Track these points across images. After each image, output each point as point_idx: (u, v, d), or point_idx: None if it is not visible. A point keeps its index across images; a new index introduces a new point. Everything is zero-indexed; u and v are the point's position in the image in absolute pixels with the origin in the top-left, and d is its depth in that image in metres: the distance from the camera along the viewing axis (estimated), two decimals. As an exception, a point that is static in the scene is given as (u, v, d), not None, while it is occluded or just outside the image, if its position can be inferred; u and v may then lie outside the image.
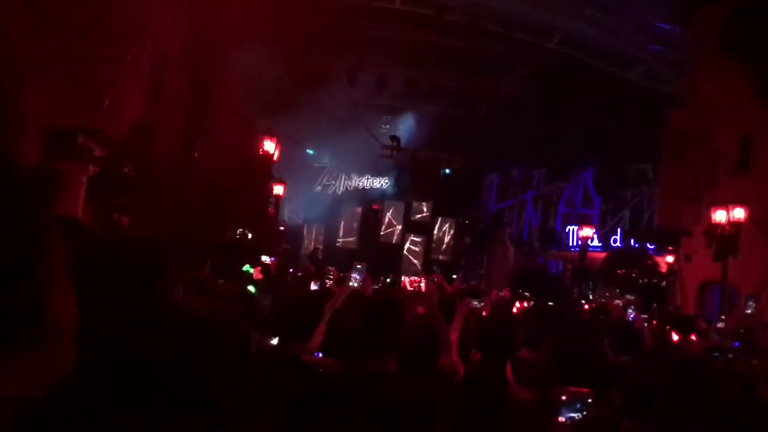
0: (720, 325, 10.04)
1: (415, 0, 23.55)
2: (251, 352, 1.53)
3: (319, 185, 32.23)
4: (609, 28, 23.47)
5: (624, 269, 23.40)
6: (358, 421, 2.75)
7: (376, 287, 8.19)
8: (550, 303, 12.36)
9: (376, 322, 3.70)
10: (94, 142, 10.68)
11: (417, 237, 32.18)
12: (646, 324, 7.94)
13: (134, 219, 11.08)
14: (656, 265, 23.67)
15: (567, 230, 28.82)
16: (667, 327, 8.47)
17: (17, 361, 0.74)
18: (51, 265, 0.79)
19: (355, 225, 32.35)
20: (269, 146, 16.71)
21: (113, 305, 1.11)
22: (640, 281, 22.86)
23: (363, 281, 5.61)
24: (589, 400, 3.48)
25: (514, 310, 9.60)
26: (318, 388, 3.03)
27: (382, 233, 32.15)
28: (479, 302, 7.84)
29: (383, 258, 28.21)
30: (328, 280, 8.64)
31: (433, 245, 32.26)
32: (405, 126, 31.15)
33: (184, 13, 14.53)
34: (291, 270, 14.64)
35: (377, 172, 32.47)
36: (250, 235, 13.67)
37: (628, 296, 11.06)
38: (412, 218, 32.27)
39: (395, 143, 29.54)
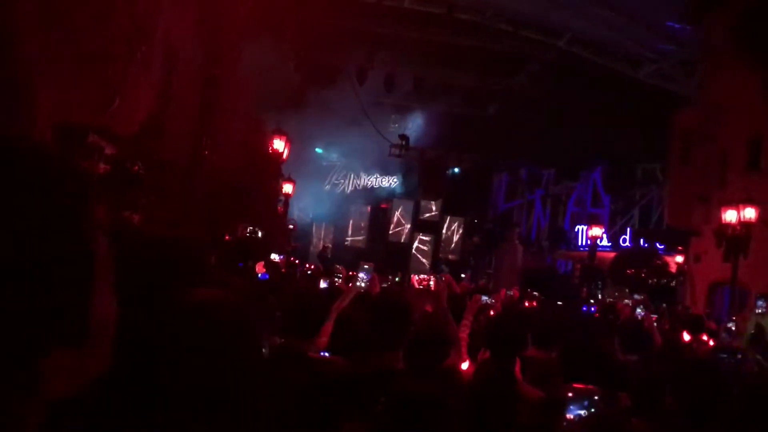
0: (730, 325, 9.99)
1: (425, -1, 23.57)
2: (262, 348, 1.54)
3: (328, 184, 32.26)
4: (619, 27, 23.38)
5: (633, 269, 23.32)
6: (365, 419, 2.76)
7: (385, 285, 8.20)
8: (559, 303, 12.36)
9: (384, 319, 3.71)
10: (104, 140, 10.73)
11: (425, 236, 32.15)
12: (655, 324, 7.93)
13: (144, 217, 11.13)
14: (666, 265, 23.58)
15: (576, 230, 28.75)
16: (677, 327, 8.45)
17: (63, 361, 0.76)
18: (98, 266, 0.81)
19: (363, 224, 32.37)
20: (279, 144, 16.75)
21: (140, 301, 1.12)
22: (650, 281, 22.78)
23: (370, 281, 5.61)
24: (596, 398, 3.47)
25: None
26: (325, 385, 3.05)
27: (390, 232, 32.15)
28: (490, 298, 7.86)
29: (392, 257, 28.21)
30: (337, 279, 8.66)
31: (442, 244, 32.23)
32: (414, 125, 31.14)
33: (195, 12, 14.57)
34: (300, 268, 14.68)
35: (386, 171, 32.47)
36: (260, 233, 13.70)
37: (636, 296, 11.02)
38: (421, 217, 32.25)
39: (404, 142, 29.53)
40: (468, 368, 4.59)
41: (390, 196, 32.64)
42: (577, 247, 27.95)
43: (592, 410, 3.27)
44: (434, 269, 26.55)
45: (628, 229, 27.71)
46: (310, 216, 31.05)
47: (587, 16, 23.02)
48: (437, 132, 30.37)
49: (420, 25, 24.51)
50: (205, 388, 1.23)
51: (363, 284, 5.48)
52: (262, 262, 9.08)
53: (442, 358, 3.79)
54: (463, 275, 24.75)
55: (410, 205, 32.26)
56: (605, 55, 25.26)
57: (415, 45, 25.62)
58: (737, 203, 15.98)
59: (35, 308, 0.72)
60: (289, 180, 19.15)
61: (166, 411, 1.12)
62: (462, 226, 32.54)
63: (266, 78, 19.45)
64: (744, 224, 15.74)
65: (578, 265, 26.58)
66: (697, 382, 3.08)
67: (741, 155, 17.73)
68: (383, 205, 32.02)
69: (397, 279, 14.74)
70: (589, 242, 24.24)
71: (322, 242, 30.92)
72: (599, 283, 24.55)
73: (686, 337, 7.60)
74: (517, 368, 4.18)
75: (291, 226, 20.57)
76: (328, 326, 4.43)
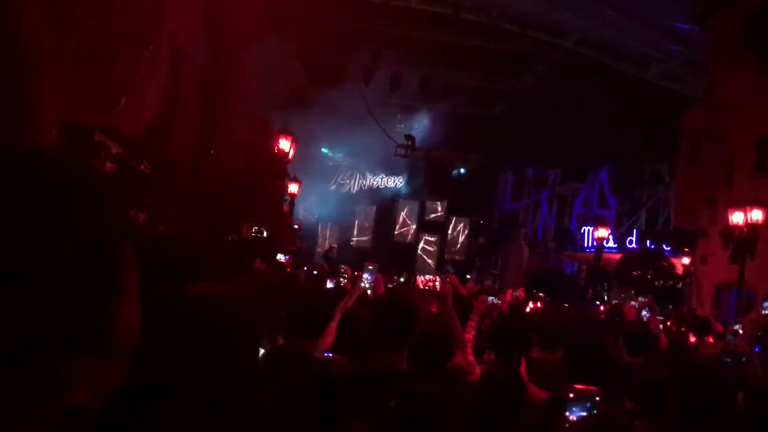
0: (737, 327, 9.94)
1: (431, -1, 23.55)
2: (260, 347, 1.54)
3: (334, 184, 32.29)
4: (626, 27, 23.32)
5: (640, 270, 23.27)
6: (369, 419, 2.75)
7: (390, 286, 8.20)
8: (565, 304, 12.33)
9: (388, 320, 3.70)
10: (110, 139, 10.75)
11: (431, 236, 32.13)
12: (661, 326, 7.90)
13: (149, 216, 11.15)
14: (672, 266, 23.52)
15: (582, 231, 28.70)
16: (683, 329, 8.42)
17: (85, 370, 0.77)
18: (122, 276, 0.81)
19: (369, 224, 32.37)
20: (284, 144, 16.77)
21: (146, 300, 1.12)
22: (656, 283, 22.72)
23: (375, 281, 5.60)
24: (597, 399, 3.45)
25: (527, 310, 9.58)
26: (328, 385, 3.03)
27: (396, 232, 32.15)
28: (496, 299, 7.86)
29: (397, 257, 28.20)
30: (342, 279, 8.65)
31: (448, 245, 32.20)
32: (420, 125, 31.12)
33: (201, 12, 14.59)
34: (306, 268, 14.69)
35: (392, 171, 32.48)
36: (265, 233, 13.72)
37: (641, 298, 10.98)
38: (427, 218, 32.22)
39: (410, 142, 29.52)
40: (475, 370, 4.59)
41: (395, 196, 32.64)
42: (583, 248, 27.91)
43: (594, 412, 3.25)
44: (439, 270, 26.53)
45: (635, 231, 27.65)
46: (316, 216, 31.09)
47: (594, 16, 22.97)
48: (443, 132, 30.35)
49: (426, 25, 24.49)
50: (202, 385, 1.22)
51: (367, 285, 5.47)
52: (258, 259, 9.08)
53: (447, 358, 3.78)
54: (468, 276, 24.76)
55: (416, 205, 32.25)
56: (612, 56, 25.21)
57: (421, 45, 25.60)
58: (744, 205, 15.92)
59: (56, 316, 0.72)
60: (295, 180, 19.17)
61: (165, 408, 1.11)
62: (467, 226, 32.51)
63: (272, 78, 19.47)
64: (751, 226, 15.68)
65: (584, 267, 26.53)
66: (697, 384, 3.07)
67: (748, 156, 17.66)
68: (389, 205, 32.06)
69: (401, 279, 14.74)
70: (595, 243, 24.18)
71: (327, 242, 30.94)
72: (605, 284, 24.51)
73: (692, 339, 7.57)
74: (523, 369, 4.17)
75: (296, 226, 20.58)
76: (333, 326, 4.43)
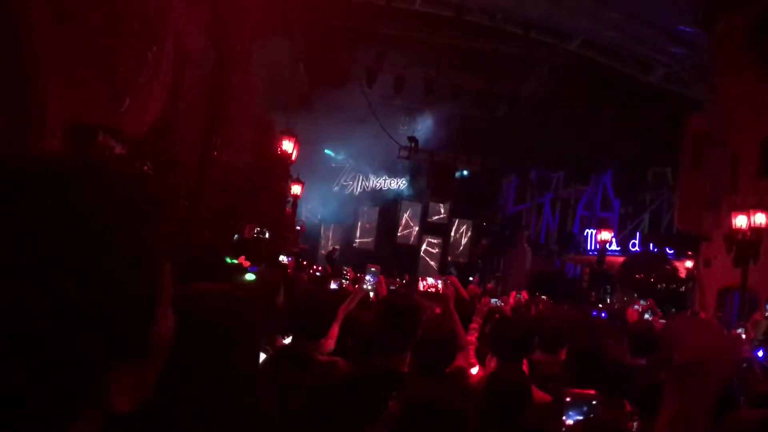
0: (739, 331, 9.93)
1: (435, 1, 23.51)
2: (261, 347, 1.54)
3: (337, 185, 32.30)
4: (630, 30, 23.31)
5: (643, 274, 23.22)
6: (370, 421, 2.75)
7: (392, 288, 8.20)
8: (567, 307, 12.32)
9: (391, 321, 3.70)
10: (114, 139, 10.77)
11: (434, 238, 32.15)
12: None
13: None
14: (675, 270, 23.47)
15: (585, 234, 28.66)
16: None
17: (128, 376, 0.80)
18: (168, 287, 0.84)
19: (372, 226, 32.40)
20: (288, 146, 16.77)
21: None
22: (659, 286, 22.67)
23: (377, 283, 5.61)
24: (594, 402, 3.46)
25: (532, 312, 9.57)
26: (330, 386, 3.04)
27: (399, 234, 32.16)
28: (499, 301, 7.85)
29: (400, 259, 28.22)
30: (344, 281, 8.67)
31: (450, 247, 32.21)
32: (423, 127, 31.14)
33: (206, 13, 14.61)
34: (308, 269, 14.69)
35: (395, 173, 32.50)
36: (267, 234, 13.72)
37: (642, 301, 10.99)
38: (430, 219, 32.25)
39: (413, 144, 29.53)
40: (478, 372, 4.58)
41: (398, 198, 32.65)
42: (586, 250, 27.86)
43: (591, 415, 3.26)
44: (442, 272, 26.53)
45: (638, 234, 27.60)
46: (319, 217, 31.11)
47: (598, 19, 22.97)
48: (446, 134, 30.37)
49: (430, 27, 24.51)
50: (202, 385, 1.23)
51: (370, 286, 5.47)
52: (243, 256, 9.05)
53: (449, 361, 3.78)
54: (471, 278, 24.74)
55: (419, 207, 32.28)
56: (615, 59, 25.20)
57: (425, 47, 25.62)
58: (748, 208, 15.89)
59: (107, 325, 0.75)
60: (298, 181, 19.17)
61: (168, 411, 1.12)
62: (470, 228, 32.53)
63: (276, 79, 19.48)
64: (754, 229, 15.65)
65: (587, 269, 26.49)
66: None
67: (752, 160, 17.63)
68: (392, 207, 32.09)
69: (404, 281, 14.74)
70: (598, 246, 24.14)
71: (330, 244, 30.97)
72: (608, 287, 24.48)
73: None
74: (526, 371, 4.17)
75: (299, 228, 20.59)
76: (335, 328, 4.42)
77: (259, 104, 18.48)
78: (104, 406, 0.78)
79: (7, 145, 7.98)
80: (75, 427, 0.77)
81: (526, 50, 25.50)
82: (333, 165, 31.86)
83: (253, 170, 16.48)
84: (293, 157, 17.08)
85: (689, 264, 22.24)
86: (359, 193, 32.85)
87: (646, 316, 9.47)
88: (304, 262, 16.75)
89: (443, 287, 4.90)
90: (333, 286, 8.36)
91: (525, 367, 4.32)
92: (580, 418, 3.32)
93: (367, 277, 5.53)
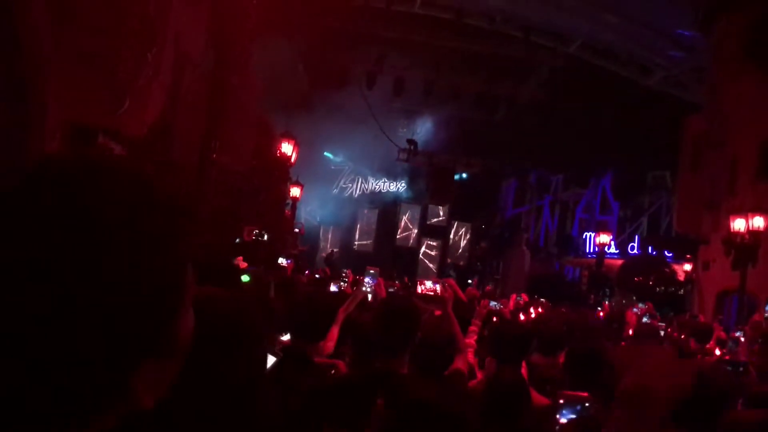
0: (738, 334, 9.93)
1: (434, 4, 23.53)
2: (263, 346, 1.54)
3: (336, 188, 32.30)
4: (629, 33, 23.35)
5: (641, 277, 23.24)
6: (368, 422, 2.75)
7: (391, 290, 8.20)
8: (565, 309, 12.32)
9: (390, 323, 3.70)
10: (114, 141, 10.77)
11: (433, 241, 32.15)
12: (662, 332, 7.89)
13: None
14: (674, 272, 23.49)
15: (584, 236, 28.68)
16: (683, 336, 8.41)
17: (153, 373, 0.82)
18: (191, 287, 0.87)
19: (371, 228, 32.40)
20: (287, 148, 16.77)
21: None
22: (658, 289, 22.69)
23: (376, 286, 5.61)
24: (587, 404, 3.48)
25: (531, 315, 9.59)
26: (328, 388, 3.04)
27: (398, 236, 32.16)
28: (498, 304, 7.86)
29: (399, 261, 28.21)
30: (343, 283, 8.66)
31: (450, 250, 32.21)
32: (423, 129, 31.15)
33: (205, 14, 14.62)
34: (307, 272, 14.69)
35: (394, 175, 32.51)
36: (266, 236, 13.71)
37: (641, 304, 11.00)
38: (429, 222, 32.25)
39: (412, 146, 29.55)
40: (475, 373, 4.58)
41: (398, 200, 32.66)
42: (584, 253, 27.89)
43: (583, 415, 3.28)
44: (441, 274, 26.53)
45: (637, 237, 27.64)
46: (318, 219, 31.10)
47: (597, 22, 23.00)
48: (446, 137, 30.38)
49: (430, 29, 24.52)
50: (207, 386, 1.23)
51: (368, 289, 5.47)
52: (241, 257, 9.04)
53: (447, 363, 3.78)
54: (470, 281, 24.75)
55: (418, 209, 32.28)
56: (615, 62, 25.22)
57: (425, 49, 25.64)
58: (746, 211, 15.90)
59: (133, 324, 0.77)
60: (297, 183, 19.17)
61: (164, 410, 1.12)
62: (470, 231, 32.53)
63: (276, 81, 19.48)
64: (753, 233, 15.66)
65: (586, 272, 26.52)
66: (694, 393, 3.07)
67: (751, 163, 17.64)
68: (391, 210, 32.09)
69: (403, 284, 14.73)
70: (597, 249, 24.17)
71: (329, 246, 30.98)
72: (607, 290, 24.49)
73: (692, 345, 7.56)
74: (524, 374, 4.17)
75: (298, 230, 20.59)
76: (335, 331, 4.42)
77: (258, 106, 18.49)
78: (131, 402, 0.80)
79: (7, 147, 7.98)
80: (103, 421, 0.79)
81: (526, 53, 25.52)
82: (332, 167, 31.87)
83: (252, 172, 16.49)
84: (292, 160, 17.09)
85: (688, 267, 22.26)
86: (358, 195, 32.85)
87: (645, 319, 9.49)
88: (303, 265, 16.75)
89: (441, 290, 4.90)
90: (333, 288, 8.36)
91: (524, 370, 4.32)
92: (574, 416, 3.34)
93: (366, 280, 5.53)
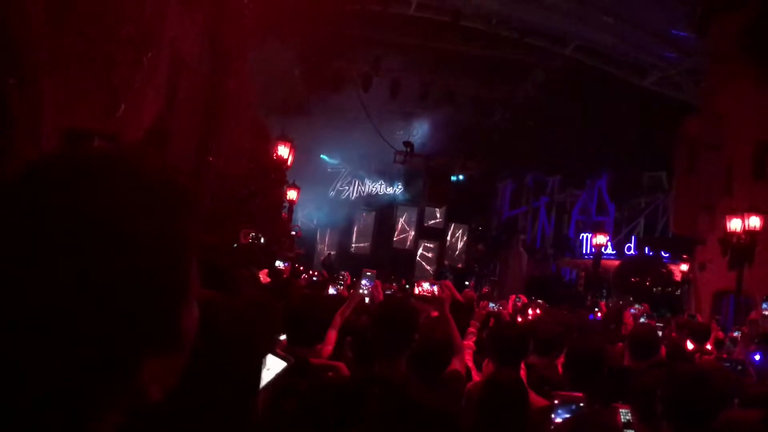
0: (736, 334, 9.94)
1: (430, 6, 23.54)
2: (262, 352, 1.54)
3: (333, 190, 32.30)
4: (624, 35, 23.38)
5: (638, 277, 23.27)
6: (366, 425, 2.75)
7: (389, 292, 8.20)
8: (563, 310, 12.33)
9: (388, 325, 3.71)
10: (110, 145, 10.75)
11: (430, 243, 32.17)
12: (660, 332, 7.89)
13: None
14: (670, 273, 23.52)
15: (581, 237, 28.71)
16: (681, 336, 8.41)
17: (158, 368, 0.82)
18: (196, 282, 0.88)
19: (368, 230, 32.40)
20: (283, 151, 16.77)
21: None
22: (655, 289, 22.72)
23: (373, 288, 5.60)
24: (581, 404, 3.49)
25: (529, 317, 9.59)
26: (326, 390, 3.04)
27: (395, 239, 32.17)
28: (497, 305, 7.86)
29: (396, 263, 28.22)
30: (340, 286, 8.66)
31: (447, 251, 32.22)
32: (419, 132, 31.17)
33: (201, 18, 14.62)
34: (304, 275, 14.67)
35: (391, 178, 32.52)
36: (263, 239, 13.70)
37: (637, 305, 11.02)
38: (426, 224, 32.26)
39: (409, 149, 29.56)
40: (473, 375, 4.58)
41: (394, 202, 32.67)
42: (581, 254, 27.91)
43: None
44: (438, 276, 26.52)
45: (633, 237, 27.66)
46: (315, 222, 31.10)
47: (592, 24, 23.03)
48: (442, 139, 30.40)
49: (426, 32, 24.53)
50: (196, 394, 1.23)
51: (365, 291, 5.46)
52: (266, 270, 9.07)
53: (444, 365, 3.78)
54: (467, 282, 24.76)
55: (414, 211, 32.31)
56: (611, 63, 25.26)
57: (421, 52, 25.65)
58: (742, 212, 15.94)
59: (142, 318, 0.78)
60: (294, 186, 19.17)
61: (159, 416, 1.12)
62: (466, 233, 32.57)
63: (272, 84, 19.48)
64: (749, 233, 15.69)
65: (583, 273, 26.54)
66: (684, 392, 3.08)
67: (746, 163, 17.69)
68: (388, 212, 32.09)
69: (407, 286, 14.72)
70: (593, 250, 24.18)
71: (326, 249, 30.97)
72: (604, 291, 24.51)
73: (689, 345, 7.56)
74: (523, 376, 4.17)
75: (295, 233, 20.58)
76: (333, 334, 4.42)
77: (254, 109, 18.49)
78: (138, 397, 0.81)
79: (2, 151, 7.97)
80: (110, 416, 0.80)
81: (522, 55, 25.55)
82: (329, 170, 31.87)
83: (249, 175, 16.48)
84: (289, 163, 17.09)
85: (684, 267, 22.29)
86: (355, 197, 32.86)
87: (642, 319, 9.49)
88: (300, 267, 16.73)
89: (439, 291, 4.91)
90: (331, 291, 8.35)
91: (522, 372, 4.33)
92: (569, 416, 3.35)
93: (363, 282, 5.52)
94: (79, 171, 0.80)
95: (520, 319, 9.06)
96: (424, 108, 29.39)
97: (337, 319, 4.55)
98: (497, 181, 33.41)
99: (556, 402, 3.46)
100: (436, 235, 32.34)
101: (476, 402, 3.41)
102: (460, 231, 32.81)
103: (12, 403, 0.74)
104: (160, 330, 0.81)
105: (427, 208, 32.31)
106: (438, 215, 32.52)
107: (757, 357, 6.84)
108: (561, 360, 4.99)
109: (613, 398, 3.59)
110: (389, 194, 32.92)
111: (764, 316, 10.52)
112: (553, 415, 3.39)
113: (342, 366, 3.82)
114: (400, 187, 32.77)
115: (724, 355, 7.64)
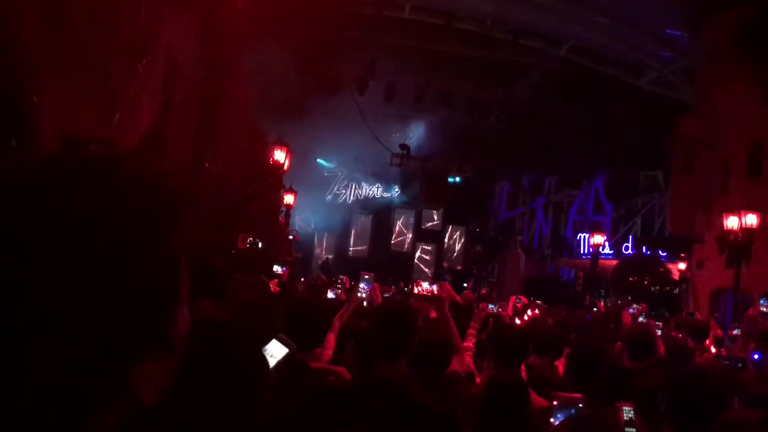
0: (735, 332, 9.95)
1: (424, 9, 23.56)
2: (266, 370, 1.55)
3: (330, 194, 32.30)
4: (619, 35, 23.42)
5: (636, 276, 23.29)
6: (367, 425, 2.75)
7: (387, 295, 8.19)
8: (561, 311, 12.33)
9: (388, 327, 3.70)
10: (106, 151, 10.71)
11: (428, 245, 32.17)
12: (659, 332, 7.90)
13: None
14: (668, 272, 23.54)
15: (578, 238, 28.72)
16: (680, 335, 8.42)
17: (151, 370, 0.82)
18: (185, 283, 0.88)
19: (365, 234, 32.39)
20: (280, 155, 16.76)
21: None
22: (653, 288, 22.74)
23: (371, 291, 5.60)
24: (580, 405, 3.49)
25: (526, 317, 9.58)
26: (326, 395, 3.03)
27: (392, 241, 32.16)
28: (496, 307, 7.85)
29: (394, 266, 28.20)
30: (338, 290, 8.64)
31: (444, 253, 32.22)
32: (415, 134, 31.18)
33: (196, 23, 14.62)
34: (302, 279, 14.66)
35: (387, 181, 32.53)
36: (260, 244, 13.69)
37: (636, 305, 11.02)
38: (423, 226, 32.26)
39: (405, 151, 29.56)
40: (473, 376, 4.58)
41: (391, 205, 32.67)
42: (579, 254, 27.91)
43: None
44: (436, 278, 26.51)
45: (631, 237, 27.68)
46: (312, 226, 31.08)
47: (587, 24, 23.06)
48: (439, 141, 30.41)
49: (421, 34, 24.54)
50: (194, 402, 1.23)
51: (363, 294, 5.46)
52: (276, 280, 9.07)
53: (444, 366, 3.78)
54: (465, 284, 24.75)
55: (412, 214, 32.30)
56: (606, 63, 25.29)
57: (417, 54, 25.65)
58: (739, 210, 15.96)
59: (133, 321, 0.78)
60: (291, 191, 19.15)
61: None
62: (464, 235, 32.57)
63: (268, 88, 19.48)
64: (746, 230, 15.71)
65: (581, 273, 26.55)
66: (686, 390, 3.08)
67: (742, 162, 17.74)
68: (384, 214, 32.07)
69: (406, 289, 14.71)
70: (591, 250, 24.20)
71: (324, 252, 30.96)
72: (602, 291, 24.52)
73: (689, 344, 7.56)
74: (524, 376, 4.17)
75: (292, 237, 20.57)
76: (332, 338, 4.41)
77: (250, 114, 18.48)
78: (131, 400, 0.81)
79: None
80: (104, 419, 0.79)
81: (518, 56, 25.57)
82: (325, 174, 31.86)
83: (245, 180, 16.46)
84: (285, 167, 17.07)
85: (682, 266, 22.32)
86: (352, 201, 32.85)
87: (640, 319, 9.50)
88: (296, 272, 16.72)
89: (438, 291, 4.90)
90: (330, 295, 8.33)
91: (523, 373, 4.32)
92: (568, 416, 3.35)
93: (361, 285, 5.52)
94: (79, 172, 0.80)
95: (518, 321, 9.05)
96: (420, 110, 29.41)
97: (336, 323, 4.55)
98: (494, 183, 33.42)
99: (555, 403, 3.46)
100: (434, 237, 32.33)
101: (477, 403, 3.40)
102: (458, 233, 32.81)
103: (12, 403, 0.74)
104: (156, 330, 0.81)
105: (424, 211, 32.31)
106: (435, 217, 32.52)
107: (756, 356, 6.85)
108: (561, 361, 4.99)
109: (614, 398, 3.59)
110: (386, 197, 32.92)
111: (762, 312, 10.55)
112: (552, 417, 3.39)
113: (343, 370, 3.81)
114: (396, 189, 32.77)
115: (723, 352, 7.65)
